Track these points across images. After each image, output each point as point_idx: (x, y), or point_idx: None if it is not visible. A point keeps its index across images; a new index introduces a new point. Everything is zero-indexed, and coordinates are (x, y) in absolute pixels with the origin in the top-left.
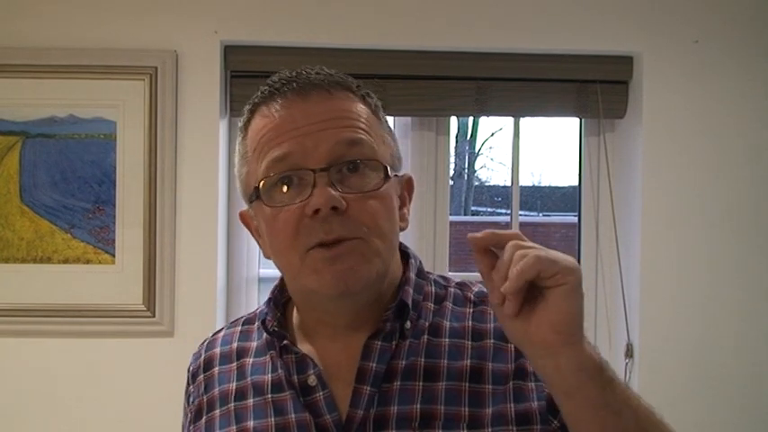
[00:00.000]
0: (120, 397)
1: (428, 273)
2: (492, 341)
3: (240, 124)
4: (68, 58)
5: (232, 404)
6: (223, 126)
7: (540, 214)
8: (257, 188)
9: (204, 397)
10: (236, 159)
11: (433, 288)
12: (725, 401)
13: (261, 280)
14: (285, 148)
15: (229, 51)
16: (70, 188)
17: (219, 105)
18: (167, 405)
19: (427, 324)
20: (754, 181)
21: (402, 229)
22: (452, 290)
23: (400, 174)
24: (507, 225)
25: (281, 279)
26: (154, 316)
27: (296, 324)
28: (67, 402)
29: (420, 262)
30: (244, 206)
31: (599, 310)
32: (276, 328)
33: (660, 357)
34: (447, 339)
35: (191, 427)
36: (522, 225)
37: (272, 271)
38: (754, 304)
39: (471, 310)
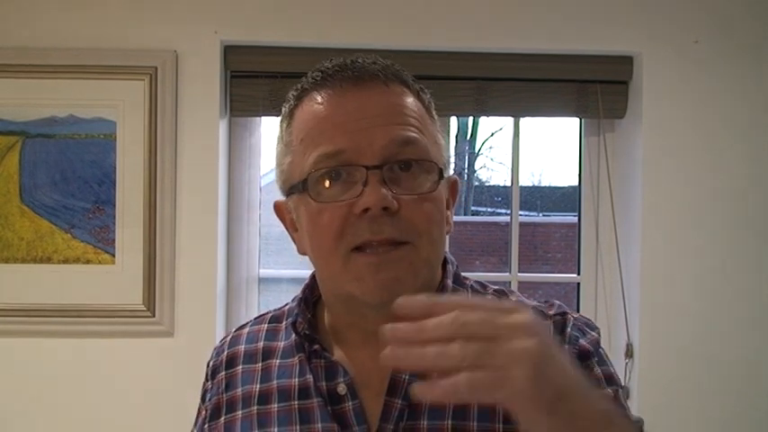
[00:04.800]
0: (120, 397)
1: (464, 278)
2: None
3: (284, 110)
4: (68, 58)
5: (255, 407)
6: (223, 126)
7: (540, 214)
8: (305, 181)
9: (224, 395)
10: (278, 147)
11: (470, 296)
12: (724, 401)
13: (261, 280)
14: (338, 144)
15: (229, 51)
16: (70, 188)
17: (219, 105)
18: (168, 405)
19: None
20: (754, 181)
21: (446, 234)
22: (490, 298)
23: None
24: (507, 225)
25: (312, 278)
26: (154, 316)
27: (327, 326)
28: (67, 402)
29: (456, 266)
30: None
31: (599, 310)
32: (307, 331)
33: (660, 357)
34: None
35: (205, 426)
36: (522, 225)
37: (272, 271)
38: (754, 304)
39: None
